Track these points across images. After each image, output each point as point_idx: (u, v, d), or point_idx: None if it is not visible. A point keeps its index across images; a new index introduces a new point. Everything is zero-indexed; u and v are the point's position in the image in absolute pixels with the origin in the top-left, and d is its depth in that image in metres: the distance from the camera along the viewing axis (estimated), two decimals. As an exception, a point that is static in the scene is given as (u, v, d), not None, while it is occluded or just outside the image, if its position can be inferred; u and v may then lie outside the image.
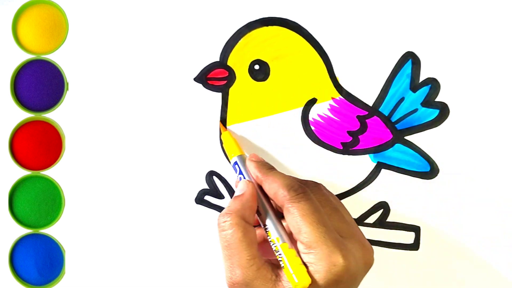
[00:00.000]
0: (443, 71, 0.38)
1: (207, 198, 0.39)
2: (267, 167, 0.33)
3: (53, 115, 0.40)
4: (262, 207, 0.32)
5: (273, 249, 0.30)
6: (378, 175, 0.38)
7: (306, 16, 0.38)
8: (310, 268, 0.28)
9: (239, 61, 0.39)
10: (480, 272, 0.38)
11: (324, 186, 0.34)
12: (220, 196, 0.39)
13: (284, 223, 0.31)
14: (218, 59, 0.39)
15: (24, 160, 0.41)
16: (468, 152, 0.38)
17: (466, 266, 0.38)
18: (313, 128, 0.39)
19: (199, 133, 0.39)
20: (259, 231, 0.33)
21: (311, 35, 0.38)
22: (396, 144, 0.38)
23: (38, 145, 0.40)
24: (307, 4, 0.38)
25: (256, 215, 0.32)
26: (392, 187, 0.38)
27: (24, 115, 0.40)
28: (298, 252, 0.29)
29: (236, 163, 0.35)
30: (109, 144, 0.40)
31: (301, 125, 0.39)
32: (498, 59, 0.37)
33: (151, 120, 0.39)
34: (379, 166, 0.38)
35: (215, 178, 0.39)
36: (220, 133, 0.38)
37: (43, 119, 0.40)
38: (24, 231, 0.41)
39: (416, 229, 0.38)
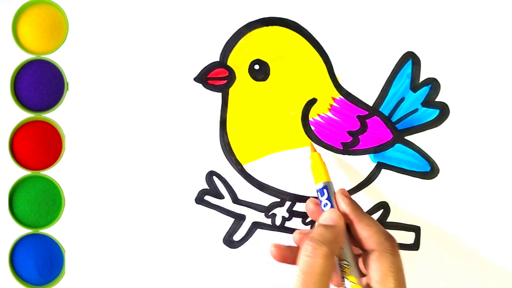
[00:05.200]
0: (443, 71, 0.38)
1: (207, 198, 0.39)
2: (360, 208, 0.33)
3: (53, 115, 0.40)
4: (347, 244, 0.32)
5: (346, 286, 0.31)
6: (378, 175, 0.38)
7: (306, 16, 0.38)
8: None
9: (239, 61, 0.39)
10: (480, 272, 0.38)
11: None
12: (220, 196, 0.39)
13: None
14: (218, 59, 0.39)
15: (24, 160, 0.41)
16: (468, 152, 0.38)
17: (466, 266, 0.38)
18: (313, 128, 0.38)
19: (199, 133, 0.39)
20: None
21: (311, 35, 0.38)
22: (396, 144, 0.38)
23: (38, 145, 0.40)
24: (307, 4, 0.38)
25: None
26: (392, 187, 0.38)
27: (24, 115, 0.40)
28: None
29: (325, 187, 0.34)
30: (109, 144, 0.40)
31: (301, 125, 0.39)
32: (498, 59, 0.37)
33: (151, 120, 0.39)
34: (379, 166, 0.38)
35: (215, 178, 0.39)
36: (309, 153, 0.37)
37: (43, 119, 0.40)
38: (24, 231, 0.41)
39: (416, 229, 0.38)
